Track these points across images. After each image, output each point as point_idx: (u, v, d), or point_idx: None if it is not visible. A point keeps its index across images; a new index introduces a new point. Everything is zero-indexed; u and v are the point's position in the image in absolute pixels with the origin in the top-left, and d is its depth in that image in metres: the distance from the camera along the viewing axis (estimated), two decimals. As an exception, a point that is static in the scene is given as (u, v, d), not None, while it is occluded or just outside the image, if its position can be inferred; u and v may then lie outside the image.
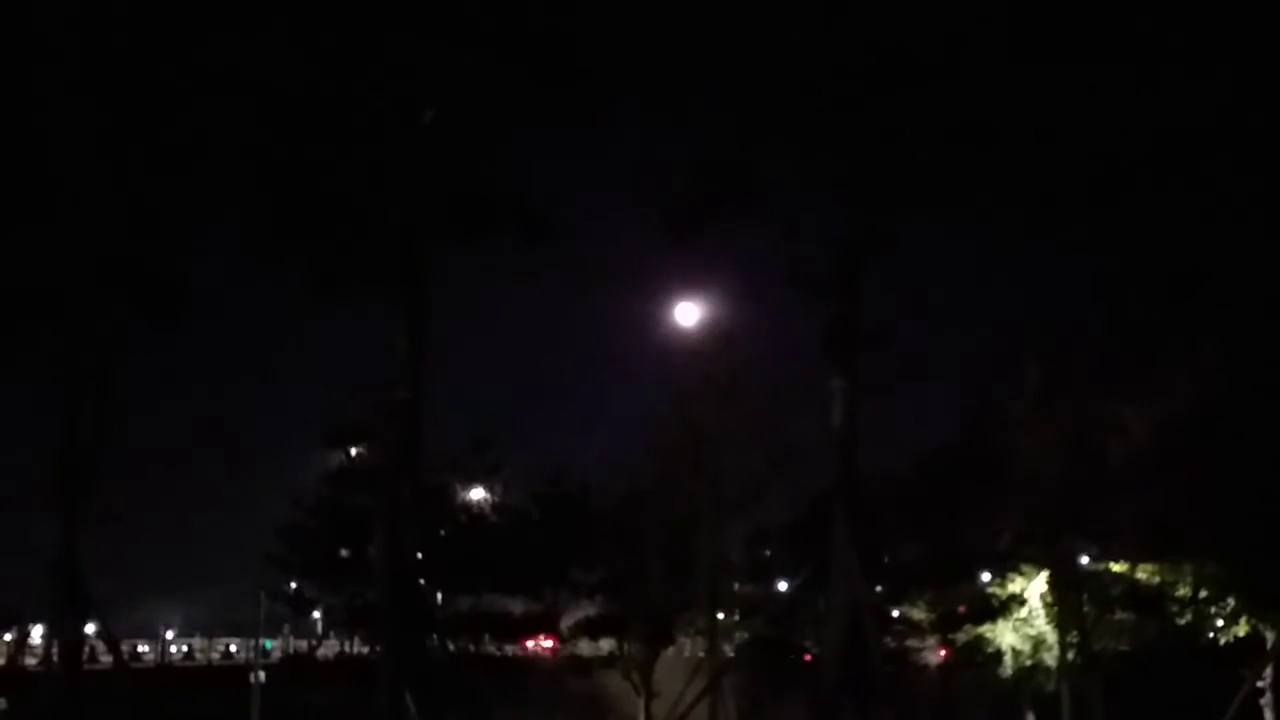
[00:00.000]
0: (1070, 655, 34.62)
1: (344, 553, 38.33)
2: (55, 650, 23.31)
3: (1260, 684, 29.76)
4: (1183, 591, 32.26)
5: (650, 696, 38.33)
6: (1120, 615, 35.13)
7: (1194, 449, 27.73)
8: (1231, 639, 32.40)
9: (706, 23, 22.20)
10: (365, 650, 38.29)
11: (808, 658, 35.93)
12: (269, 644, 49.54)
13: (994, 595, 37.38)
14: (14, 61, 22.09)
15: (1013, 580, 36.59)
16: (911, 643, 41.10)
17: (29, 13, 21.85)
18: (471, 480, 40.65)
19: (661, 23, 22.68)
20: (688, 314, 31.34)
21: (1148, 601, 33.66)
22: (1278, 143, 21.38)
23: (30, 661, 31.77)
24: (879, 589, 35.42)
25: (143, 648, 47.72)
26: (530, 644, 44.23)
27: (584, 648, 42.39)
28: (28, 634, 37.16)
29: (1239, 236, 22.86)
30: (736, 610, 41.65)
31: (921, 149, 21.88)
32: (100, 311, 23.17)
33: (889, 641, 38.19)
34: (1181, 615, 32.83)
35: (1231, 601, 31.42)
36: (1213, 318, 26.36)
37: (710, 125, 23.11)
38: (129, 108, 22.48)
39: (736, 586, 40.75)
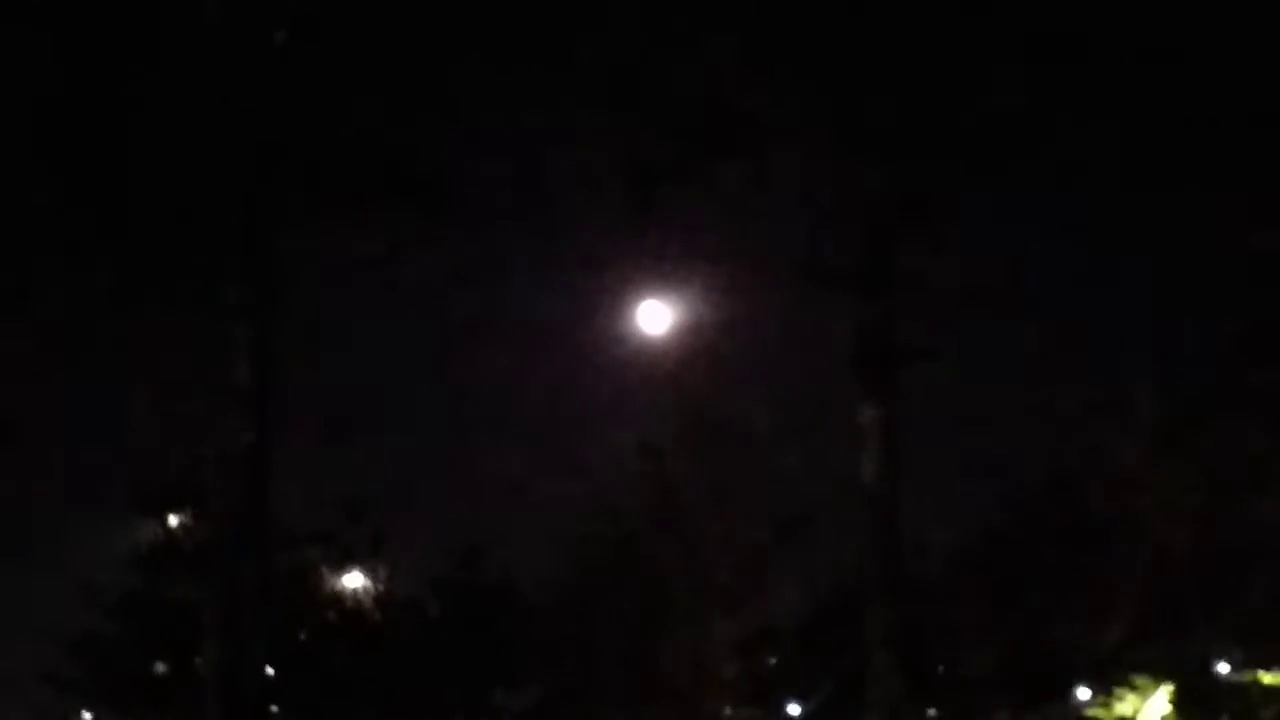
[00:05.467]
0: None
1: (160, 668, 38.39)
2: None
3: None
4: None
5: None
6: (1275, 751, 35.27)
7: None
8: None
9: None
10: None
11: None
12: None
13: (1096, 719, 37.65)
14: None
15: (1122, 698, 36.50)
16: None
17: None
18: (345, 561, 40.87)
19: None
20: (655, 317, 30.60)
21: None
22: None
23: None
24: (932, 713, 37.85)
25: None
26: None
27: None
28: None
29: None
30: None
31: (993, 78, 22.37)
32: None
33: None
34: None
35: None
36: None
37: (688, 54, 23.67)
38: None
39: (728, 711, 40.75)
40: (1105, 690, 37.77)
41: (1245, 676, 35.50)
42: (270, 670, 23.50)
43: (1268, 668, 34.70)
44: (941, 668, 38.27)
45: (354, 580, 41.72)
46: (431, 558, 41.88)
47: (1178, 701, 35.50)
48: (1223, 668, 36.35)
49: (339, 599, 41.81)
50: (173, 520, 37.81)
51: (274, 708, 30.96)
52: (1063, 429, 36.63)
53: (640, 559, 36.88)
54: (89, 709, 42.65)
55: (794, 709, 43.54)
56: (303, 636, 39.78)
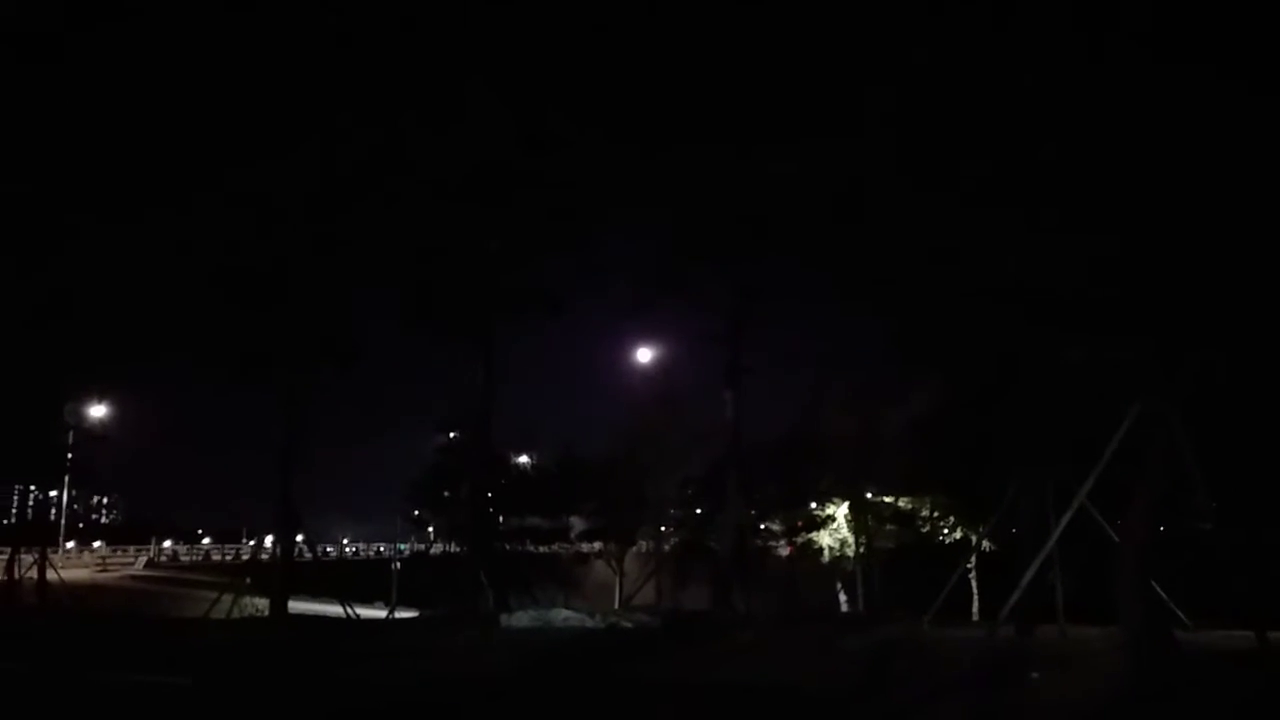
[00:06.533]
0: (860, 550, 48.73)
1: (446, 494, 56.27)
2: (278, 550, 38.86)
3: (969, 567, 39.61)
4: (924, 513, 48.36)
5: (622, 577, 56.97)
6: (888, 527, 49.50)
7: (926, 432, 39.95)
8: (951, 540, 47.70)
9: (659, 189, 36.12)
10: (458, 549, 49.34)
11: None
12: (402, 546, 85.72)
13: (818, 515, 51.01)
14: None
15: (828, 506, 50.58)
16: (771, 543, 56.38)
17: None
18: (519, 451, 62.44)
19: (634, 186, 37.46)
20: (644, 355, 48.37)
21: (904, 518, 49.06)
22: None
23: (263, 558, 48.65)
24: (752, 511, 45.93)
25: (330, 549, 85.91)
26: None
27: (584, 547, 64.19)
28: (262, 542, 54.76)
29: None
30: (671, 526, 57.45)
31: (776, 271, 36.27)
32: (303, 365, 38.35)
33: (758, 542, 51.08)
34: (923, 527, 48.85)
35: (952, 518, 47.32)
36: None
37: (659, 249, 38.17)
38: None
39: (672, 511, 56.42)
40: (822, 504, 50.74)
41: (878, 498, 48.27)
42: (490, 495, 41.98)
43: (886, 495, 48.13)
44: (755, 494, 45.24)
45: (523, 459, 61.67)
46: (553, 449, 60.38)
47: (850, 508, 49.13)
48: (868, 495, 48.24)
49: (517, 467, 59.91)
50: (452, 434, 54.93)
51: (491, 509, 44.70)
52: (803, 400, 48.10)
53: (635, 450, 50.72)
54: (417, 510, 64.08)
55: (698, 510, 54.76)
56: (503, 482, 53.64)
